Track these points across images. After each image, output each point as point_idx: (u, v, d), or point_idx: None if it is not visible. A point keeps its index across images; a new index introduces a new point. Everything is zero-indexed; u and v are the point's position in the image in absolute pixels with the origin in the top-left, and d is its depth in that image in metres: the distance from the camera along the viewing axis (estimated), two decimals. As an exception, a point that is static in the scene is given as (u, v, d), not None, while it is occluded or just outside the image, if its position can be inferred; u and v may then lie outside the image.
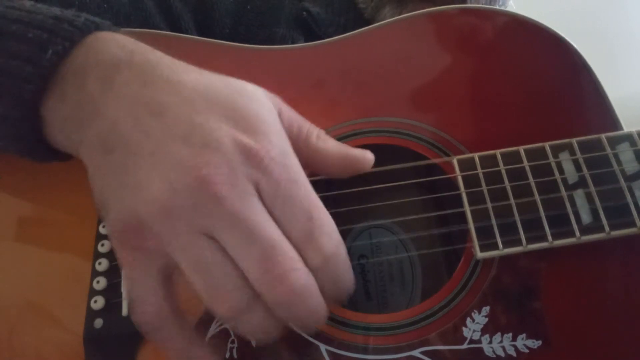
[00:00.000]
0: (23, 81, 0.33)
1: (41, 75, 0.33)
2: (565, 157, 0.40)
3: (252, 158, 0.29)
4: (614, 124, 0.42)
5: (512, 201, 0.39)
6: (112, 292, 0.39)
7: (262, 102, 0.33)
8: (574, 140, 0.40)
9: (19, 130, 0.35)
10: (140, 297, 0.31)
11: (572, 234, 0.37)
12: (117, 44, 0.34)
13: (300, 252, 0.30)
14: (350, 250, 0.47)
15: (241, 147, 0.29)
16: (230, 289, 0.29)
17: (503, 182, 0.39)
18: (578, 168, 0.39)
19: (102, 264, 0.40)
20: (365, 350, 0.37)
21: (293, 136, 0.34)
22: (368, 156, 0.37)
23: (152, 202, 0.29)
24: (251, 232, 0.28)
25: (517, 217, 0.38)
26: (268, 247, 0.28)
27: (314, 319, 0.30)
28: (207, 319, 0.38)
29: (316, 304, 0.30)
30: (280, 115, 0.33)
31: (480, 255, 0.38)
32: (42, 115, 0.35)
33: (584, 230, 0.37)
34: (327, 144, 0.36)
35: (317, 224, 0.30)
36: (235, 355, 0.37)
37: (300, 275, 0.29)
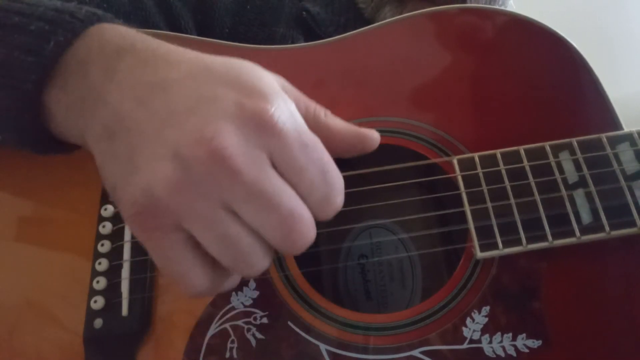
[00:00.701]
0: (25, 72, 0.33)
1: (43, 66, 0.33)
2: (565, 157, 0.40)
3: (262, 123, 0.29)
4: (614, 123, 0.42)
5: (512, 201, 0.39)
6: (112, 292, 0.39)
7: (263, 72, 0.32)
8: (574, 140, 0.40)
9: (22, 122, 0.35)
10: (183, 273, 0.30)
11: (572, 234, 0.37)
12: (119, 34, 0.34)
13: (314, 210, 0.30)
14: (350, 250, 0.47)
15: (250, 114, 0.29)
16: (254, 259, 0.30)
17: (503, 182, 0.39)
18: (578, 168, 0.39)
19: (102, 264, 0.40)
20: (365, 350, 0.37)
21: (301, 114, 0.33)
22: (375, 135, 0.37)
23: (164, 180, 0.28)
24: (268, 201, 0.28)
25: (517, 217, 0.38)
26: (287, 214, 0.29)
27: None
28: (207, 318, 0.38)
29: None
30: (284, 92, 0.33)
31: (480, 255, 0.38)
32: (45, 106, 0.35)
33: (584, 230, 0.37)
34: (336, 121, 0.36)
35: (332, 186, 0.31)
36: (235, 355, 0.37)
37: (313, 231, 0.30)
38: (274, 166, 0.29)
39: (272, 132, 0.29)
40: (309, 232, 0.29)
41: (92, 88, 0.32)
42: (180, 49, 0.33)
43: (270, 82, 0.32)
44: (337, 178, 0.31)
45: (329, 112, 0.36)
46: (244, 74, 0.31)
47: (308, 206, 0.30)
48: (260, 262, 0.30)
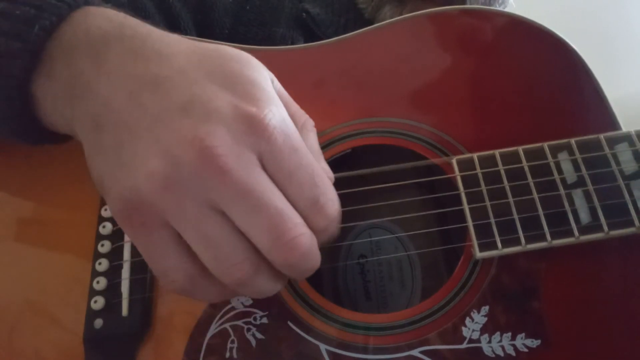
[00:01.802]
0: (11, 58, 0.33)
1: (29, 51, 0.33)
2: (564, 157, 0.40)
3: (254, 127, 0.29)
4: (613, 124, 0.42)
5: (511, 201, 0.39)
6: (112, 292, 0.39)
7: (257, 69, 0.32)
8: (572, 141, 0.40)
9: (10, 110, 0.34)
10: (165, 269, 0.30)
11: (571, 234, 0.37)
12: (107, 18, 0.33)
13: (305, 217, 0.30)
14: (350, 250, 0.47)
15: (242, 116, 0.29)
16: (238, 261, 0.29)
17: (502, 182, 0.39)
18: (577, 168, 0.39)
19: (102, 264, 0.40)
20: (364, 350, 0.37)
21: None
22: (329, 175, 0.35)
23: (154, 178, 0.28)
24: (258, 202, 0.28)
25: (516, 217, 0.38)
26: (275, 216, 0.28)
27: (312, 269, 0.31)
28: (207, 318, 0.38)
29: (317, 259, 0.31)
30: (272, 84, 0.33)
31: (479, 254, 0.38)
32: (34, 95, 0.34)
33: (583, 229, 0.38)
34: (308, 137, 0.35)
35: (321, 190, 0.30)
36: (235, 355, 0.37)
37: (307, 239, 0.29)
38: (264, 169, 0.29)
39: (263, 134, 0.29)
40: (299, 233, 0.29)
41: (79, 76, 0.32)
42: (172, 38, 0.33)
43: (265, 83, 0.31)
44: (327, 184, 0.31)
45: (308, 124, 0.35)
46: (238, 71, 0.31)
47: (299, 212, 0.29)
48: (244, 268, 0.29)
